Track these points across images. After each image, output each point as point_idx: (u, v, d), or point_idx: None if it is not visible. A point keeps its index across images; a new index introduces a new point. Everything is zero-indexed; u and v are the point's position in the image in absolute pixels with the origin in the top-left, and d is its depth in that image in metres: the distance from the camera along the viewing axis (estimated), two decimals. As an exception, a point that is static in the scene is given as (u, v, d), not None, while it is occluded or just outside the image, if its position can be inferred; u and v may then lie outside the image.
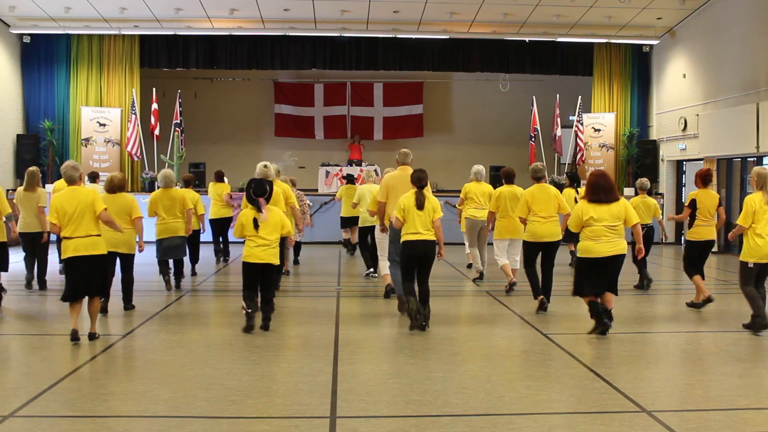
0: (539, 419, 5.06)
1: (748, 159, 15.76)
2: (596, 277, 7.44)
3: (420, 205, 7.69)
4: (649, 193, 11.50)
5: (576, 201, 12.34)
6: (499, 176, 18.87)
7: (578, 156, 19.42)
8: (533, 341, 7.49)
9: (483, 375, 6.24)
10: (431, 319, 7.96)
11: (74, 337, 7.07)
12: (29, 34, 18.73)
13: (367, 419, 5.03)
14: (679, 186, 19.15)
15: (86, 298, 7.30)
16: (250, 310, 7.63)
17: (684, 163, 18.81)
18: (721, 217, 9.31)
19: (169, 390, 5.68)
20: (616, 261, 7.47)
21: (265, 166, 9.35)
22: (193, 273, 11.97)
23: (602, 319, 7.48)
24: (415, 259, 7.80)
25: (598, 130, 20.08)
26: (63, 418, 5.05)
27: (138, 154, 18.68)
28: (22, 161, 18.10)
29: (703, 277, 9.29)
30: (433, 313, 8.74)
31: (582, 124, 19.47)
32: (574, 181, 13.18)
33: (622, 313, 9.35)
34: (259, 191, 7.65)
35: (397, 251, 8.32)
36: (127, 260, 8.87)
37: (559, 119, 19.68)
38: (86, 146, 18.94)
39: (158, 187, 10.53)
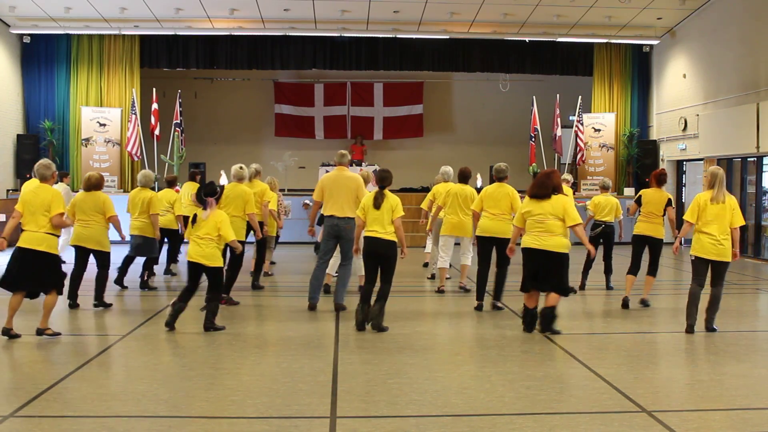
0: (539, 419, 5.06)
1: (748, 159, 15.77)
2: (531, 271, 7.59)
3: (377, 204, 7.81)
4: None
5: None
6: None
7: (578, 156, 19.41)
8: (532, 341, 7.48)
9: (483, 375, 6.24)
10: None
11: (4, 333, 7.18)
12: (29, 34, 18.72)
13: (367, 419, 5.03)
14: (680, 186, 19.13)
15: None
16: (171, 304, 7.81)
17: (684, 163, 18.81)
18: (670, 216, 9.42)
19: (169, 390, 5.68)
20: (545, 257, 7.52)
21: (241, 168, 9.54)
22: (171, 273, 11.95)
23: (528, 324, 7.69)
24: (372, 257, 7.89)
25: (598, 130, 20.08)
26: (63, 418, 5.04)
27: (138, 154, 18.67)
28: (22, 161, 18.11)
29: (654, 275, 9.39)
30: (432, 312, 8.75)
31: (582, 124, 19.46)
32: None
33: (621, 312, 9.35)
34: (208, 191, 7.77)
35: (326, 248, 8.96)
36: (101, 257, 8.98)
37: (559, 119, 19.67)
38: (86, 146, 18.94)
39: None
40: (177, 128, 18.93)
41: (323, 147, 22.17)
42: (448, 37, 19.60)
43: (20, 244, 7.26)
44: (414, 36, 19.51)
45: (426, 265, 12.98)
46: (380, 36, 19.65)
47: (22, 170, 18.15)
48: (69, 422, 4.98)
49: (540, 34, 19.22)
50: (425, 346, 7.21)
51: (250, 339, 7.45)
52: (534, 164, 19.29)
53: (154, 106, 18.87)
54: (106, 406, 5.30)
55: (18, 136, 18.53)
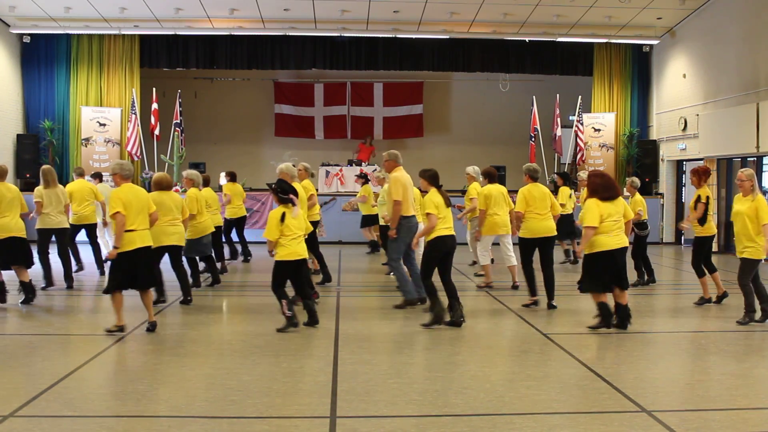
0: (539, 419, 5.06)
1: (748, 159, 15.76)
2: (605, 271, 7.69)
3: (448, 203, 8.19)
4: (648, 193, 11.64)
5: (570, 197, 12.97)
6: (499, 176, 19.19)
7: (578, 156, 19.41)
8: (533, 340, 7.49)
9: (483, 375, 6.24)
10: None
11: (150, 329, 7.60)
12: (29, 34, 18.72)
13: (367, 419, 5.03)
14: (679, 186, 19.13)
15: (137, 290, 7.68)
16: (291, 314, 7.71)
17: (684, 163, 18.80)
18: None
19: (169, 390, 5.69)
20: (624, 253, 7.85)
21: (294, 165, 9.86)
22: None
23: (609, 321, 7.77)
24: (443, 255, 8.07)
25: (598, 130, 20.08)
26: (63, 418, 5.05)
27: (138, 154, 18.68)
28: (22, 161, 18.13)
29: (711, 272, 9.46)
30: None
31: (582, 124, 19.47)
32: (566, 179, 13.64)
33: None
34: (288, 188, 7.85)
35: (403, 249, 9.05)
36: (180, 253, 9.31)
37: (559, 119, 19.68)
38: (86, 146, 18.94)
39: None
40: (177, 128, 18.95)
41: (323, 147, 22.19)
42: (448, 37, 19.60)
43: (140, 244, 7.45)
44: (414, 36, 19.51)
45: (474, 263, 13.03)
46: (380, 36, 19.65)
47: (22, 170, 18.16)
48: (69, 422, 4.98)
49: (540, 34, 19.22)
50: (425, 346, 7.21)
51: (250, 339, 7.45)
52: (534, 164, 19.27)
53: (154, 105, 18.89)
54: (106, 406, 5.31)
55: (18, 135, 18.52)
